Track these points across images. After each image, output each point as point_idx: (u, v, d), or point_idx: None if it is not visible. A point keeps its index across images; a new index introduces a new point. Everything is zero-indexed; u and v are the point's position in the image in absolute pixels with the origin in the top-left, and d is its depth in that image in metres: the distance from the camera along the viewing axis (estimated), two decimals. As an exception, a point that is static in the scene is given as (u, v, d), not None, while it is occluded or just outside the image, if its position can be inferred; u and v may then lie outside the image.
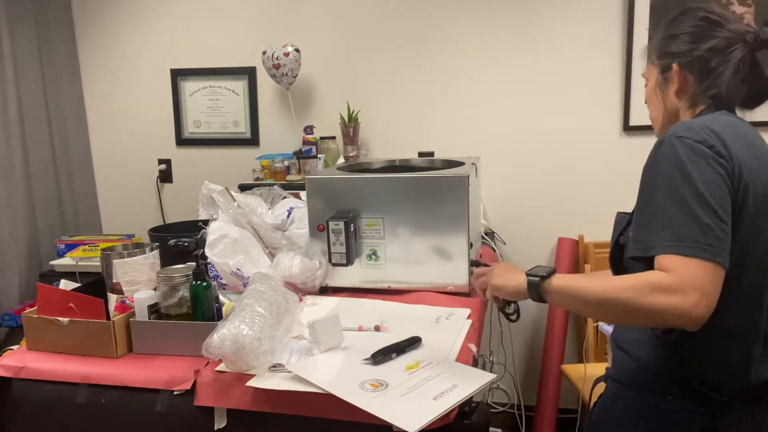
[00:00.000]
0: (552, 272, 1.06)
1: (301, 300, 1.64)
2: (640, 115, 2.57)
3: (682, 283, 0.90)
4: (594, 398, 1.26)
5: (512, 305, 1.63)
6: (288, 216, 1.89)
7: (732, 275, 0.97)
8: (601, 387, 1.24)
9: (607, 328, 1.80)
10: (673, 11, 1.19)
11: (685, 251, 0.92)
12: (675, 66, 1.15)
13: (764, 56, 1.10)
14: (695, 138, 0.99)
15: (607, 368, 1.23)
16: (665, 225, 0.95)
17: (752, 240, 1.00)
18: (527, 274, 1.08)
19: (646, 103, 1.27)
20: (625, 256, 1.10)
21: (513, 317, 1.75)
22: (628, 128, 2.59)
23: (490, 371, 1.25)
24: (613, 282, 0.96)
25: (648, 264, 0.96)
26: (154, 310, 1.38)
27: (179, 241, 1.80)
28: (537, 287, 1.06)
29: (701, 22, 1.13)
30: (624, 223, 1.17)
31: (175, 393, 1.23)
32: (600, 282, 0.98)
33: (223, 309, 1.41)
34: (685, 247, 0.92)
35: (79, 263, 2.50)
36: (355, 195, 1.68)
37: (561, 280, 1.04)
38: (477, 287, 1.24)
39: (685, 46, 1.14)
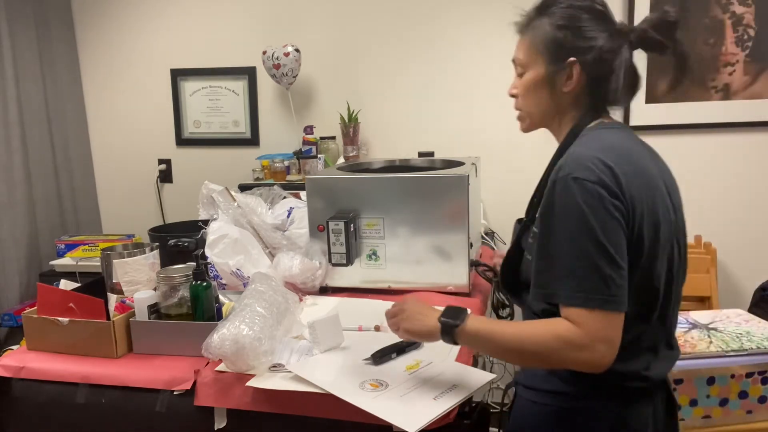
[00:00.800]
0: (465, 316, 1.06)
1: (301, 300, 1.64)
2: (640, 115, 2.57)
3: (589, 338, 0.93)
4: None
5: (506, 309, 1.64)
6: (288, 216, 1.89)
7: (640, 306, 1.01)
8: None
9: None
10: None
11: (590, 304, 0.94)
12: (576, 64, 1.08)
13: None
14: (591, 179, 0.96)
15: (516, 373, 1.21)
16: (568, 274, 0.96)
17: (652, 270, 1.01)
18: (440, 319, 1.08)
19: (512, 94, 1.19)
20: (522, 263, 1.12)
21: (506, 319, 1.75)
22: (628, 128, 2.59)
23: (490, 371, 1.24)
24: (524, 332, 0.99)
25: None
26: (154, 310, 1.38)
27: (179, 241, 1.80)
28: (451, 333, 1.06)
29: (591, 14, 1.08)
30: (518, 231, 1.18)
31: (175, 393, 1.24)
32: (512, 330, 1.01)
33: (223, 309, 1.41)
34: (589, 299, 0.94)
35: (79, 263, 2.50)
36: (355, 195, 1.68)
37: (474, 325, 1.05)
38: (390, 327, 1.19)
39: (582, 41, 1.07)
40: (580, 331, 0.93)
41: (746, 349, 1.55)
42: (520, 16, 1.16)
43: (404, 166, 2.07)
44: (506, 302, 1.66)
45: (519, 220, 1.23)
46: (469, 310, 1.08)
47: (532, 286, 1.02)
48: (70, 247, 2.58)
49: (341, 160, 2.66)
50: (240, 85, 2.90)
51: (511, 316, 1.67)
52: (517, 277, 1.13)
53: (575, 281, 0.95)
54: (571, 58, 1.08)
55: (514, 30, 1.17)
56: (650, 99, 2.55)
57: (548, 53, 1.10)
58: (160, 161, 3.04)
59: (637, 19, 2.49)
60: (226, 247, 1.70)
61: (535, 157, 2.68)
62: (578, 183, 0.96)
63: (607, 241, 0.94)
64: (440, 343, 1.35)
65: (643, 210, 0.98)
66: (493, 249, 2.28)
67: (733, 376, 1.56)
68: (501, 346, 1.02)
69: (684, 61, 1.09)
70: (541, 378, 1.09)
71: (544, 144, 2.95)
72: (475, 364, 1.31)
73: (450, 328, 1.06)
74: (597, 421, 1.05)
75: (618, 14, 2.52)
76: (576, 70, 1.08)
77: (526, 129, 1.21)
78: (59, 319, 1.36)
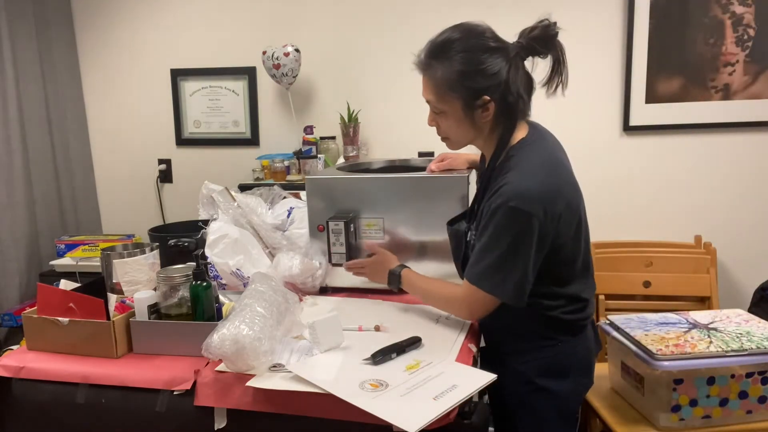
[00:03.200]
0: (402, 270, 1.52)
1: (301, 300, 1.64)
2: (640, 115, 2.57)
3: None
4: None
5: None
6: (288, 216, 1.89)
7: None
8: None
9: (608, 328, 1.80)
10: (447, 35, 1.29)
11: (476, 282, 1.34)
12: (489, 101, 1.26)
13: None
14: (524, 207, 1.23)
15: (506, 356, 1.41)
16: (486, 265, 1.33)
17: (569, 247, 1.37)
18: (390, 269, 1.53)
19: (433, 125, 1.37)
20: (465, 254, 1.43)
21: None
22: (628, 128, 2.59)
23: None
24: (440, 285, 1.47)
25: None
26: (154, 310, 1.38)
27: (179, 241, 1.80)
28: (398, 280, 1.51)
29: (486, 52, 1.24)
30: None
31: (175, 393, 1.23)
32: (433, 282, 1.48)
33: (223, 309, 1.41)
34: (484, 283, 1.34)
35: (79, 263, 2.50)
36: (355, 195, 1.68)
37: (407, 273, 1.51)
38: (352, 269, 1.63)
39: (486, 80, 1.24)
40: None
41: (746, 349, 1.55)
42: (417, 58, 1.32)
43: (404, 166, 2.06)
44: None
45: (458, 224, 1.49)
46: (405, 267, 1.54)
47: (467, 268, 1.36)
48: (70, 247, 2.59)
49: (341, 160, 2.66)
50: (240, 85, 2.90)
51: None
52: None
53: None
54: (485, 97, 1.25)
55: (417, 69, 1.33)
56: (650, 99, 2.55)
57: (461, 96, 1.26)
58: (160, 161, 3.04)
59: (638, 20, 2.49)
60: (226, 247, 1.70)
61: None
62: (510, 208, 1.22)
63: (521, 251, 1.25)
64: (440, 342, 1.35)
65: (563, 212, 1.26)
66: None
67: (733, 376, 1.56)
68: (421, 291, 1.49)
69: (560, 62, 1.29)
70: (529, 340, 1.36)
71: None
72: (475, 364, 1.31)
73: (396, 278, 1.51)
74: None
75: (618, 15, 2.53)
76: (491, 105, 1.27)
77: (455, 148, 1.42)
78: (59, 319, 1.36)
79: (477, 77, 1.25)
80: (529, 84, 1.31)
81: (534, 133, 1.35)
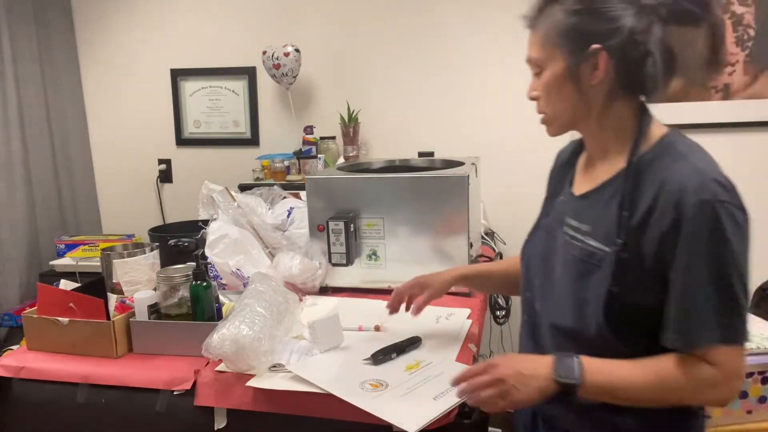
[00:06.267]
0: (582, 370, 0.92)
1: (301, 300, 1.64)
2: (640, 115, 2.57)
3: (728, 376, 0.90)
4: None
5: (503, 310, 1.64)
6: (288, 216, 1.90)
7: None
8: None
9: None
10: None
11: (732, 342, 0.89)
12: (599, 50, 0.93)
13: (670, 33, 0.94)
14: (737, 204, 0.90)
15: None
16: (713, 315, 0.88)
17: None
18: (559, 381, 0.93)
19: (533, 97, 1.05)
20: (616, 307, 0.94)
21: (501, 321, 1.75)
22: (628, 128, 2.59)
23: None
24: (661, 379, 0.91)
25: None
26: (154, 310, 1.38)
27: (179, 241, 1.80)
28: (572, 393, 0.93)
29: None
30: (613, 266, 0.95)
31: (175, 393, 1.24)
32: (642, 380, 0.92)
33: (223, 309, 1.41)
34: (732, 337, 0.89)
35: (79, 263, 2.50)
36: (355, 195, 1.68)
37: (595, 380, 0.92)
38: (483, 403, 0.97)
39: (604, 24, 0.92)
40: (719, 371, 0.89)
41: (746, 349, 1.55)
42: (529, 7, 1.03)
43: (404, 166, 2.07)
44: (503, 304, 1.66)
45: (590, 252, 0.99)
46: (577, 358, 0.94)
47: (669, 331, 0.91)
48: (70, 247, 2.58)
49: (341, 160, 2.66)
50: (240, 85, 2.90)
51: (506, 317, 1.67)
52: (626, 321, 0.95)
53: (721, 321, 0.88)
54: (595, 45, 0.93)
55: (523, 25, 1.06)
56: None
57: (566, 44, 0.96)
58: (160, 161, 3.04)
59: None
60: (226, 247, 1.70)
61: (535, 157, 2.69)
62: (725, 208, 0.88)
63: (744, 272, 0.90)
64: (440, 342, 1.35)
65: None
66: (494, 249, 2.28)
67: (733, 376, 1.56)
68: (631, 398, 0.93)
69: (720, 34, 0.94)
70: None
71: (544, 143, 2.93)
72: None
73: (572, 388, 0.92)
74: None
75: (618, 14, 2.53)
76: (602, 59, 0.93)
77: (555, 133, 1.07)
78: (59, 319, 1.36)
79: (589, 18, 0.93)
80: (670, 58, 0.94)
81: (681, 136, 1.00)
